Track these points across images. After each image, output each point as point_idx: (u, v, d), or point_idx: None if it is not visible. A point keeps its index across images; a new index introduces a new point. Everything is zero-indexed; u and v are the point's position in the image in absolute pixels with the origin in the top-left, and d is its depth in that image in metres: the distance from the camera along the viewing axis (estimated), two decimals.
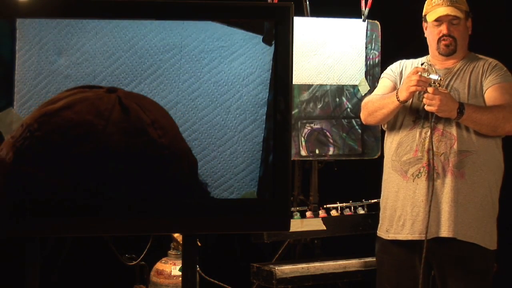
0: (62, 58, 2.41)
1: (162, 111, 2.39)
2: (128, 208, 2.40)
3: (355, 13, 3.96)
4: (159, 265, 3.78)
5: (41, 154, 2.33)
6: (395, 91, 3.34)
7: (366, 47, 3.98)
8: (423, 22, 3.47)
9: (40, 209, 2.37)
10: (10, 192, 2.36)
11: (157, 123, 2.35)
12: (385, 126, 3.52)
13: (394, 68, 3.53)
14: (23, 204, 2.36)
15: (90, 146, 2.33)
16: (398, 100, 3.30)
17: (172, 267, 3.73)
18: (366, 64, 3.97)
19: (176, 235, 3.70)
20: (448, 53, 3.38)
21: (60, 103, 2.35)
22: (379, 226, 3.50)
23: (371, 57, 3.98)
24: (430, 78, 3.23)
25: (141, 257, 3.84)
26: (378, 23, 4.00)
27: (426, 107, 3.24)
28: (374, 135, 3.96)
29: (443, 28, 3.36)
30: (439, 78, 3.24)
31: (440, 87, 3.23)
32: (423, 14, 3.46)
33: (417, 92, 3.29)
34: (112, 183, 2.37)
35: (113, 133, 2.32)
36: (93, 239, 3.50)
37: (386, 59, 3.82)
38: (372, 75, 3.96)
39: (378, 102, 3.40)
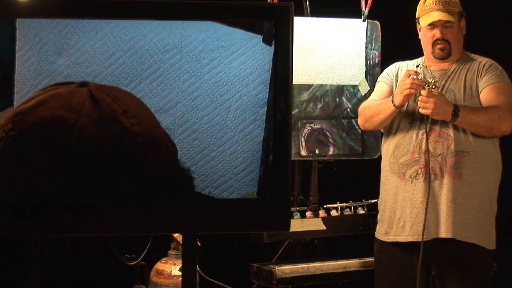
0: (62, 58, 2.41)
1: (135, 101, 2.41)
2: (128, 208, 2.40)
3: (355, 13, 3.96)
4: (159, 265, 3.78)
5: (17, 153, 2.35)
6: (391, 97, 3.33)
7: (366, 47, 3.98)
8: (417, 24, 3.46)
9: (40, 209, 2.37)
10: None
11: (129, 112, 2.37)
12: (383, 128, 3.52)
13: (390, 72, 3.53)
14: (22, 204, 2.36)
15: (64, 140, 2.34)
16: (394, 105, 3.29)
17: (172, 267, 3.73)
18: (366, 64, 3.97)
19: (176, 235, 3.70)
20: (443, 56, 3.38)
21: (32, 102, 2.37)
22: (377, 228, 3.49)
23: (371, 57, 3.98)
24: (423, 80, 3.22)
25: (141, 257, 3.84)
26: (378, 23, 4.00)
27: (421, 110, 3.23)
28: (374, 135, 3.96)
29: (437, 32, 3.35)
30: (432, 81, 3.23)
31: (435, 89, 3.22)
32: (416, 16, 3.45)
33: (413, 95, 3.28)
34: (90, 173, 2.38)
35: (86, 125, 2.34)
36: (93, 239, 3.50)
37: (386, 59, 3.82)
38: (372, 75, 3.95)
39: (375, 108, 3.40)
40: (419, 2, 3.45)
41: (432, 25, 3.34)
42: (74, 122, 2.34)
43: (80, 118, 2.34)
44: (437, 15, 3.32)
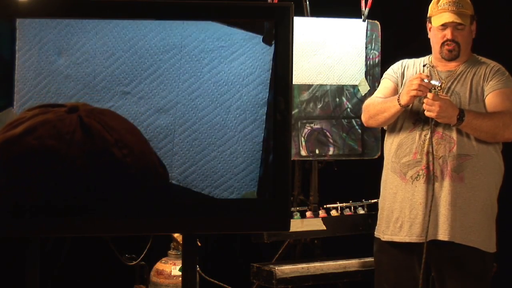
0: (62, 58, 2.41)
1: (127, 126, 2.36)
2: (128, 208, 2.40)
3: (355, 13, 3.96)
4: (159, 265, 3.78)
5: (4, 183, 2.31)
6: (397, 95, 3.33)
7: (366, 47, 3.97)
8: (428, 22, 3.44)
9: (40, 209, 2.37)
10: None
11: (121, 142, 2.32)
12: (386, 127, 3.52)
13: (396, 69, 3.51)
14: (23, 204, 2.36)
15: (54, 171, 2.30)
16: (400, 104, 3.29)
17: (172, 267, 3.73)
18: (366, 64, 3.97)
19: (176, 235, 3.70)
20: (451, 58, 3.36)
21: (21, 128, 2.31)
22: (376, 226, 3.50)
23: (371, 57, 3.98)
24: (431, 84, 3.21)
25: (141, 257, 3.84)
26: (378, 23, 4.00)
27: (426, 113, 3.22)
28: (374, 135, 3.95)
29: (448, 33, 3.33)
30: (439, 84, 3.22)
31: (441, 91, 3.21)
32: (428, 15, 3.43)
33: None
34: (80, 202, 2.36)
35: (76, 156, 2.29)
36: (93, 239, 3.50)
37: (386, 59, 3.82)
38: (372, 75, 3.95)
39: (380, 106, 3.39)
40: (432, 1, 3.43)
41: (444, 26, 3.33)
42: (65, 154, 2.28)
43: (70, 150, 2.28)
44: (450, 17, 3.31)
